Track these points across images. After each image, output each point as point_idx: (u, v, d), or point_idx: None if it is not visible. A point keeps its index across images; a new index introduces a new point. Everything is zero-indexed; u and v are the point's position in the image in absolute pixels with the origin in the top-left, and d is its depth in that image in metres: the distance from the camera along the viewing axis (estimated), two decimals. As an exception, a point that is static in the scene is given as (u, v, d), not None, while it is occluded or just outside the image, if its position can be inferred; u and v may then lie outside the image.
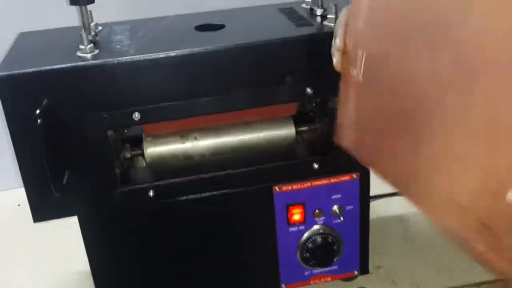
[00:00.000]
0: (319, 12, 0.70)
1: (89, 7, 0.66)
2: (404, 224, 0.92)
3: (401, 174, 0.51)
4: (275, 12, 0.75)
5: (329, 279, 0.76)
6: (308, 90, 0.65)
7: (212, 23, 0.71)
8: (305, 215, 0.71)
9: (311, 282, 0.75)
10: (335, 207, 0.71)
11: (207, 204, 0.69)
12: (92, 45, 0.63)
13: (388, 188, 0.95)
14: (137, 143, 0.71)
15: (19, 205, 1.02)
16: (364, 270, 0.76)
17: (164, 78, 0.63)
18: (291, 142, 0.73)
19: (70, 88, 0.60)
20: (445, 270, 0.81)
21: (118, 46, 0.65)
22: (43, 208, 0.63)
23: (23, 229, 0.95)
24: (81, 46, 0.62)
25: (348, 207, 0.71)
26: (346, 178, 0.70)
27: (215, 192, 0.69)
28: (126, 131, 0.72)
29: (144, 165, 0.72)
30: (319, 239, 0.72)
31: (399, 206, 0.95)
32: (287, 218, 0.71)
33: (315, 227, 0.72)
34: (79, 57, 0.62)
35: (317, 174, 0.70)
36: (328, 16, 0.68)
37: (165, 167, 0.71)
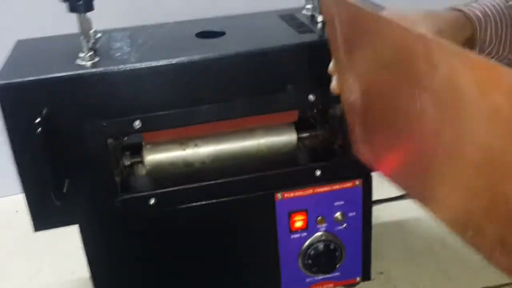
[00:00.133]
0: (320, 18, 0.70)
1: (88, 14, 0.65)
2: (404, 229, 0.92)
3: (414, 185, 0.50)
4: (276, 19, 0.74)
5: (331, 285, 0.75)
6: (311, 97, 0.65)
7: (212, 30, 0.70)
8: (307, 222, 0.71)
9: (313, 289, 0.75)
10: (337, 214, 0.71)
11: (208, 212, 0.69)
12: (92, 52, 0.62)
13: (387, 193, 0.97)
14: (136, 150, 0.71)
15: (17, 211, 1.01)
16: (366, 276, 0.76)
17: (165, 86, 0.62)
18: (293, 148, 0.73)
19: (70, 96, 0.60)
20: (446, 275, 0.81)
21: (118, 54, 0.64)
22: (44, 217, 0.63)
23: (21, 236, 0.94)
24: (80, 54, 0.62)
25: (351, 214, 0.71)
26: (348, 184, 0.70)
27: (216, 200, 0.68)
28: (125, 138, 0.72)
29: (144, 172, 0.72)
30: (321, 246, 0.71)
31: (398, 211, 0.95)
32: (289, 225, 0.71)
33: (317, 234, 0.71)
34: (79, 65, 0.61)
35: (319, 181, 0.69)
36: (330, 22, 0.67)
37: (165, 175, 0.71)
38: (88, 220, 0.65)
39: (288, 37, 0.67)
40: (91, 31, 0.68)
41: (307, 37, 0.66)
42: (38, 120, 0.57)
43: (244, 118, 0.68)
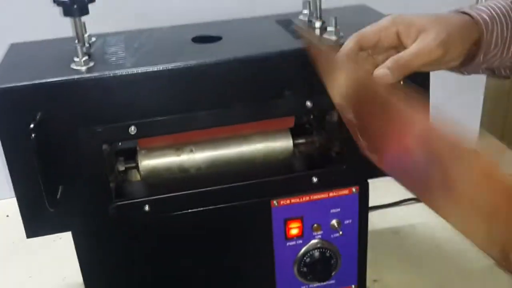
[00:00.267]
0: (317, 24, 0.69)
1: (82, 18, 0.64)
2: (399, 236, 0.91)
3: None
4: (273, 24, 0.74)
5: (326, 293, 0.75)
6: (308, 103, 0.65)
7: (209, 34, 0.70)
8: (303, 229, 0.70)
9: (308, 296, 0.74)
10: (333, 221, 0.70)
11: (203, 218, 0.68)
12: (86, 57, 0.61)
13: (382, 200, 0.96)
14: (131, 155, 0.70)
15: (7, 216, 0.99)
16: (361, 284, 0.75)
17: (161, 91, 0.61)
18: (289, 155, 0.72)
19: (65, 102, 0.59)
20: (441, 283, 0.81)
21: (114, 59, 0.63)
22: (37, 223, 0.62)
23: (11, 242, 0.93)
24: (75, 59, 0.61)
25: (347, 221, 0.71)
26: (345, 192, 0.69)
27: (211, 207, 0.67)
28: (120, 143, 0.71)
29: (139, 178, 0.71)
30: (316, 253, 0.71)
31: (393, 218, 0.94)
32: (285, 233, 0.70)
33: (313, 241, 0.71)
34: (74, 69, 0.60)
35: (316, 188, 0.69)
36: (328, 29, 0.67)
37: (160, 181, 0.70)
38: (82, 226, 0.64)
39: (285, 42, 0.67)
40: (86, 35, 0.68)
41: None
42: (32, 125, 0.56)
43: (240, 124, 0.68)
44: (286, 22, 0.74)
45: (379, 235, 0.90)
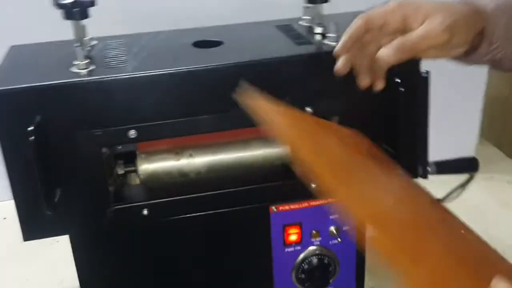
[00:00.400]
0: (318, 30, 0.69)
1: (83, 21, 0.64)
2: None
3: None
4: (273, 29, 0.74)
5: (323, 300, 0.74)
6: (308, 109, 0.64)
7: (210, 39, 0.70)
8: (301, 235, 0.70)
9: (306, 303, 0.74)
10: (332, 228, 0.70)
11: (202, 223, 0.68)
12: (87, 60, 0.61)
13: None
14: (130, 159, 0.70)
15: (5, 218, 0.99)
16: (359, 291, 0.75)
17: (162, 95, 0.61)
18: (288, 161, 0.72)
19: (65, 105, 0.59)
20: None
21: (114, 62, 0.63)
22: (34, 226, 0.61)
23: (7, 244, 0.93)
24: (75, 62, 0.61)
25: (346, 228, 0.70)
26: (343, 198, 0.69)
27: (210, 211, 0.67)
28: (119, 147, 0.70)
29: (138, 182, 0.71)
30: (315, 260, 0.70)
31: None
32: (283, 238, 0.70)
33: (312, 247, 0.71)
34: (74, 73, 0.60)
35: (315, 194, 0.68)
36: (328, 34, 0.67)
37: (159, 185, 0.70)
38: (80, 230, 0.63)
39: (286, 48, 0.67)
40: (87, 38, 0.68)
41: (305, 49, 0.66)
42: (31, 128, 0.56)
43: (240, 129, 0.67)
44: (286, 28, 0.74)
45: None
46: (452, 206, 0.88)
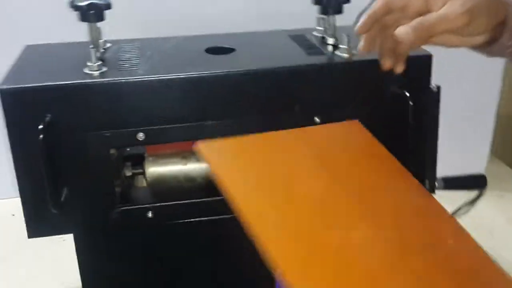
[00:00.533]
0: (330, 41, 0.70)
1: (98, 23, 0.65)
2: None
3: None
4: (286, 38, 0.74)
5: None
6: (316, 119, 0.65)
7: (222, 46, 0.70)
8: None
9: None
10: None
11: (206, 228, 0.68)
12: (100, 62, 0.62)
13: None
14: (138, 161, 0.70)
15: (13, 215, 1.00)
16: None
17: (171, 99, 0.62)
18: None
19: (75, 105, 0.59)
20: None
21: (126, 65, 0.64)
22: (39, 224, 0.62)
23: (14, 241, 0.93)
24: (88, 63, 0.62)
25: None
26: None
27: (215, 217, 0.67)
28: (128, 149, 0.71)
29: (145, 184, 0.71)
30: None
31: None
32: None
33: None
34: (86, 74, 0.61)
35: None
36: (340, 46, 0.67)
37: (165, 188, 0.70)
38: (84, 229, 0.64)
39: (297, 58, 0.67)
40: (101, 41, 0.68)
41: (316, 59, 0.66)
42: (40, 126, 0.57)
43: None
44: (299, 37, 0.74)
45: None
46: (460, 222, 0.88)
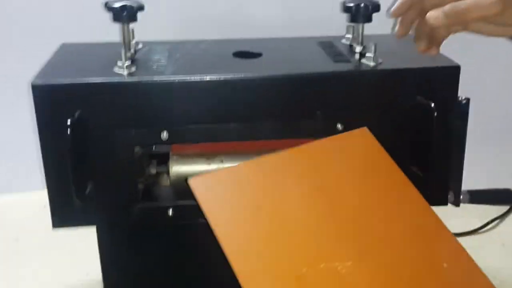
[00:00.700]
0: (358, 49, 0.70)
1: (132, 25, 0.67)
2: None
3: None
4: (314, 45, 0.75)
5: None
6: (339, 126, 0.65)
7: (250, 50, 0.71)
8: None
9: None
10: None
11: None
12: (129, 62, 0.64)
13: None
14: (164, 160, 0.72)
15: (45, 206, 1.03)
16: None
17: (196, 101, 0.63)
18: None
19: (103, 102, 0.61)
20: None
21: (155, 66, 0.66)
22: (63, 215, 0.65)
23: (44, 231, 0.96)
24: (118, 63, 0.64)
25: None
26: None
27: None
28: (154, 147, 0.73)
29: (168, 183, 0.73)
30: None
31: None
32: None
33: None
34: (116, 73, 0.63)
35: None
36: (367, 54, 0.67)
37: (188, 188, 0.71)
38: (106, 224, 0.66)
39: (322, 64, 0.68)
40: (133, 42, 0.70)
41: (342, 67, 0.66)
42: (69, 121, 0.59)
43: (271, 141, 0.68)
44: (327, 45, 0.74)
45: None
46: (487, 237, 0.86)
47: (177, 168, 0.71)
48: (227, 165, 0.71)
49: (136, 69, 0.64)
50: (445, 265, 0.52)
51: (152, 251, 0.69)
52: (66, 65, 0.67)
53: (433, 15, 0.54)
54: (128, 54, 0.66)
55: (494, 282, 0.49)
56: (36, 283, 0.86)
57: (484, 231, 0.88)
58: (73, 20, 0.94)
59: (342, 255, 0.52)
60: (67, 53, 0.71)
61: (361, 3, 0.67)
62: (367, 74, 0.65)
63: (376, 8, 0.67)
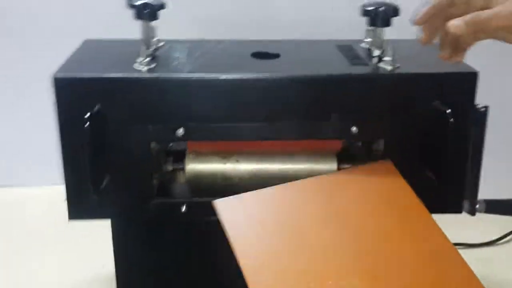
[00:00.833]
0: (376, 53, 0.70)
1: (154, 23, 0.68)
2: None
3: None
4: (333, 48, 0.75)
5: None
6: (354, 129, 0.65)
7: (268, 51, 0.72)
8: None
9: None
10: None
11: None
12: (149, 59, 0.65)
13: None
14: (180, 157, 0.73)
15: (64, 200, 1.04)
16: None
17: (213, 99, 0.64)
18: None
19: (122, 97, 0.63)
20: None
21: (174, 63, 0.67)
22: (79, 207, 0.66)
23: (63, 225, 0.97)
24: (138, 59, 0.65)
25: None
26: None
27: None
28: (171, 144, 0.74)
29: (183, 180, 0.73)
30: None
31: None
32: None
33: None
34: (135, 69, 0.64)
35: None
36: (385, 58, 0.67)
37: (202, 185, 0.72)
38: (121, 218, 0.67)
39: (340, 67, 0.68)
40: (154, 39, 0.71)
41: (359, 70, 0.66)
42: (88, 115, 0.60)
43: (287, 141, 0.69)
44: (346, 48, 0.75)
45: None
46: (504, 250, 0.84)
47: (193, 166, 0.72)
48: (242, 164, 0.72)
49: (156, 66, 0.65)
50: None
51: (165, 246, 0.70)
52: (87, 60, 0.69)
53: (454, 24, 0.55)
54: (148, 51, 0.67)
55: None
56: (54, 274, 0.87)
57: (501, 243, 0.87)
58: (97, 17, 0.96)
59: (349, 274, 0.55)
60: (89, 48, 0.72)
61: (380, 7, 0.67)
62: (383, 78, 0.65)
63: (395, 12, 0.67)
